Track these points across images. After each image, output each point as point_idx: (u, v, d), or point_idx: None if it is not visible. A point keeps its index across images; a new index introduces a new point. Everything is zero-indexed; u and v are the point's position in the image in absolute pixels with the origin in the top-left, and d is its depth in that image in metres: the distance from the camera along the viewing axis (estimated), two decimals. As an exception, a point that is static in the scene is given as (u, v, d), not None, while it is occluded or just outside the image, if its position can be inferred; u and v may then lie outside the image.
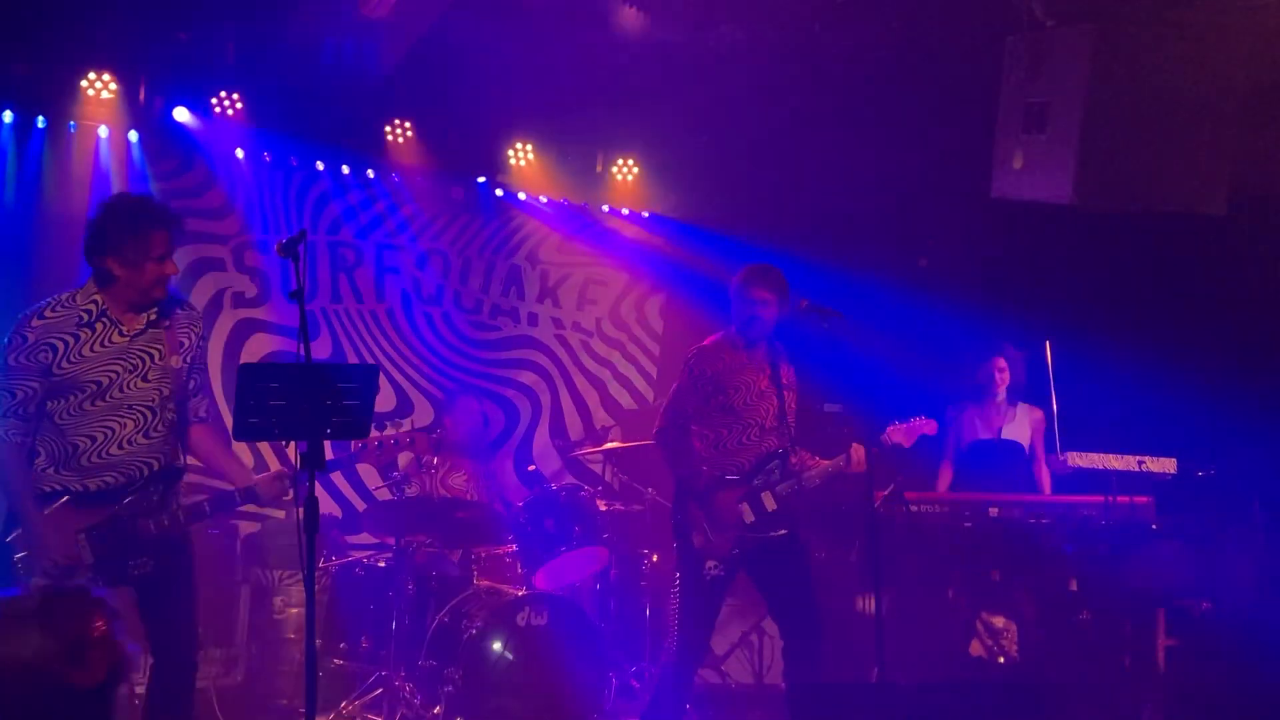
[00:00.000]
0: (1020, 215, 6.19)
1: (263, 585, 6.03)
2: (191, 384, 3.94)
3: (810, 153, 7.43)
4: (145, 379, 3.79)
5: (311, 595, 3.46)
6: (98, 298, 3.77)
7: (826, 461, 4.66)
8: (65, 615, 2.22)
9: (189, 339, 3.92)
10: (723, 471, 4.61)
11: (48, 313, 3.74)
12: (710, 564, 4.54)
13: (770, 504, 4.59)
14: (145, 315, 3.83)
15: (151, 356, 3.81)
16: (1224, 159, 4.71)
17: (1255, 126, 4.85)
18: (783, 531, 4.61)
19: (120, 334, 3.78)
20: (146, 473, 3.76)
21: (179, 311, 3.93)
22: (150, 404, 3.79)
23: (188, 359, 3.90)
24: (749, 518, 4.57)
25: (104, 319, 3.77)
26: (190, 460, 4.03)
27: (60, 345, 3.71)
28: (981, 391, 6.18)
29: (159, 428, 3.80)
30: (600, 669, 5.15)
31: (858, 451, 4.58)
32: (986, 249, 7.20)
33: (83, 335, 3.73)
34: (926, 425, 4.74)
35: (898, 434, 4.69)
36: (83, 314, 3.76)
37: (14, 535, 3.65)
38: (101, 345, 3.75)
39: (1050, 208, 4.88)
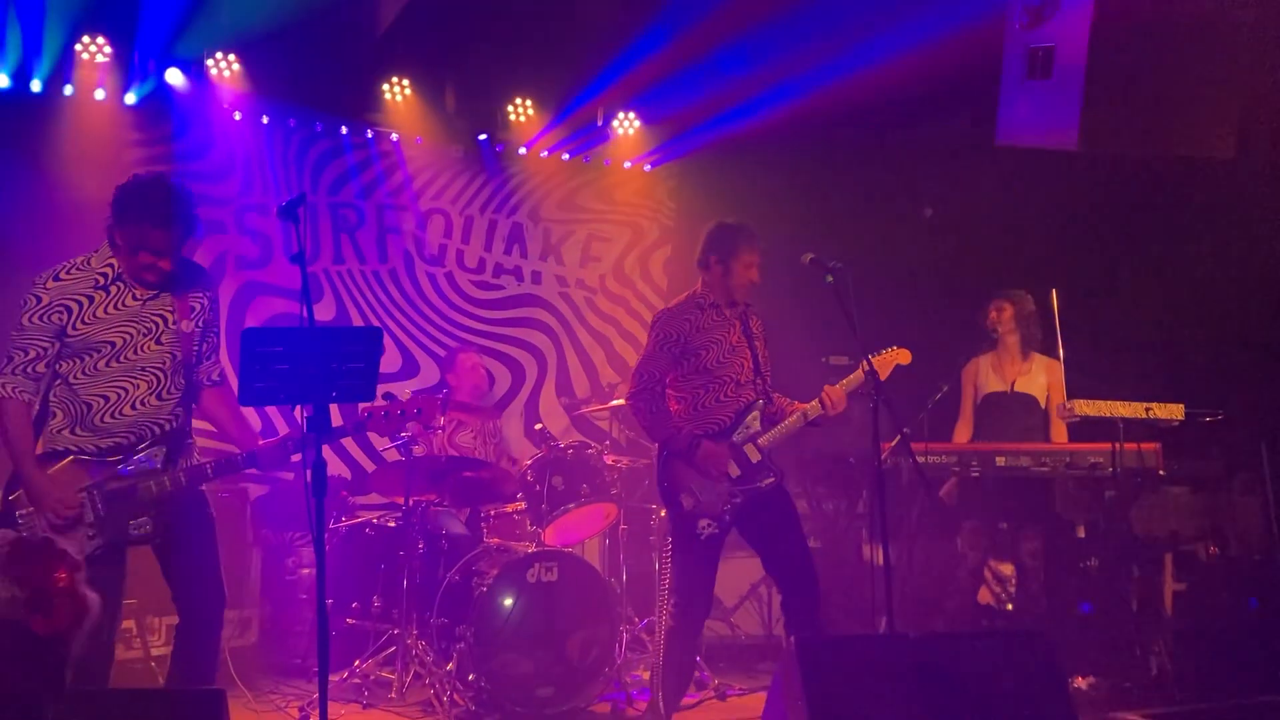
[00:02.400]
0: (1026, 161, 6.13)
1: (274, 547, 6.08)
2: (203, 347, 3.98)
3: (814, 102, 7.34)
4: (158, 342, 3.83)
5: (322, 557, 3.48)
6: (113, 261, 3.81)
7: (803, 405, 4.67)
8: (31, 565, 2.26)
9: (200, 303, 3.95)
10: (703, 430, 4.61)
11: (63, 274, 3.78)
12: (703, 523, 4.55)
13: (754, 455, 4.62)
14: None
15: (165, 320, 3.86)
16: (1232, 100, 4.64)
17: (1264, 66, 4.78)
18: (770, 480, 4.63)
19: (134, 298, 3.82)
20: (157, 433, 3.80)
21: (191, 276, 3.96)
22: (162, 367, 3.83)
23: (199, 323, 3.93)
24: (734, 472, 4.59)
25: (119, 282, 3.81)
26: (201, 424, 4.06)
27: (75, 306, 3.75)
28: (992, 341, 6.09)
29: (171, 390, 3.84)
30: (610, 623, 5.19)
31: (832, 392, 4.58)
32: (992, 196, 7.14)
33: (97, 297, 3.77)
34: (899, 355, 4.70)
35: (873, 364, 4.66)
36: (98, 276, 3.80)
37: (16, 494, 3.69)
38: (115, 308, 3.79)
39: (1056, 153, 4.84)
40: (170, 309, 3.86)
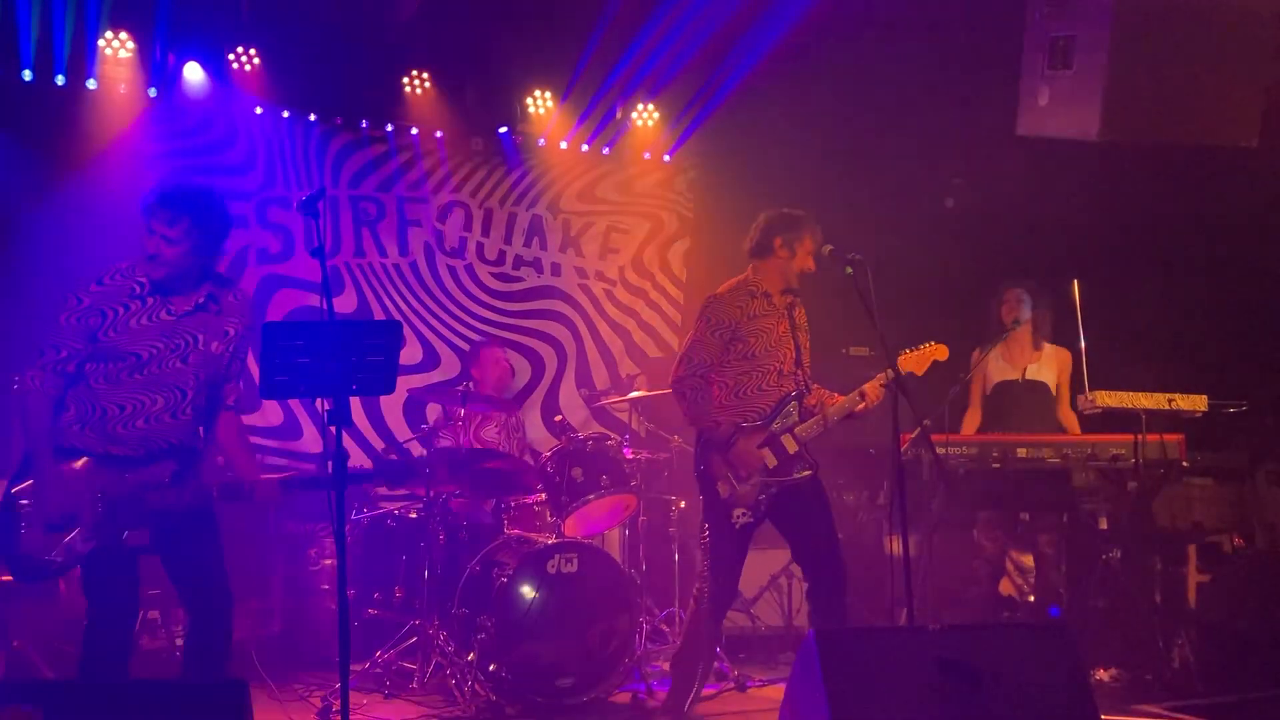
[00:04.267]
0: (1047, 151, 6.10)
1: (297, 538, 6.12)
2: (229, 371, 3.98)
3: (833, 92, 7.33)
4: (184, 361, 3.84)
5: (343, 548, 3.51)
6: (149, 271, 3.82)
7: (843, 398, 4.68)
8: None
9: (234, 327, 3.95)
10: (742, 418, 4.63)
11: (106, 279, 3.81)
12: (738, 512, 4.57)
13: (791, 446, 4.62)
14: (194, 297, 3.87)
15: (195, 340, 3.86)
16: (1255, 88, 4.60)
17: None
18: (807, 472, 4.65)
19: (169, 312, 3.83)
20: (165, 448, 3.81)
21: (230, 299, 3.96)
22: (183, 386, 3.84)
23: (230, 347, 3.94)
24: (771, 462, 4.60)
25: (156, 295, 3.81)
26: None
27: (109, 313, 3.76)
28: (1003, 330, 6.06)
29: (187, 410, 3.85)
30: (630, 614, 5.21)
31: (872, 388, 4.61)
32: (1013, 187, 7.11)
33: (132, 306, 3.79)
34: (937, 351, 4.71)
35: (909, 362, 4.67)
36: (136, 286, 3.81)
37: (24, 485, 3.72)
38: (148, 320, 3.80)
39: (1078, 143, 4.81)
40: (203, 330, 3.87)
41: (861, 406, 4.64)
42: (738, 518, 4.58)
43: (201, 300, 3.87)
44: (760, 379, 4.66)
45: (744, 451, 4.57)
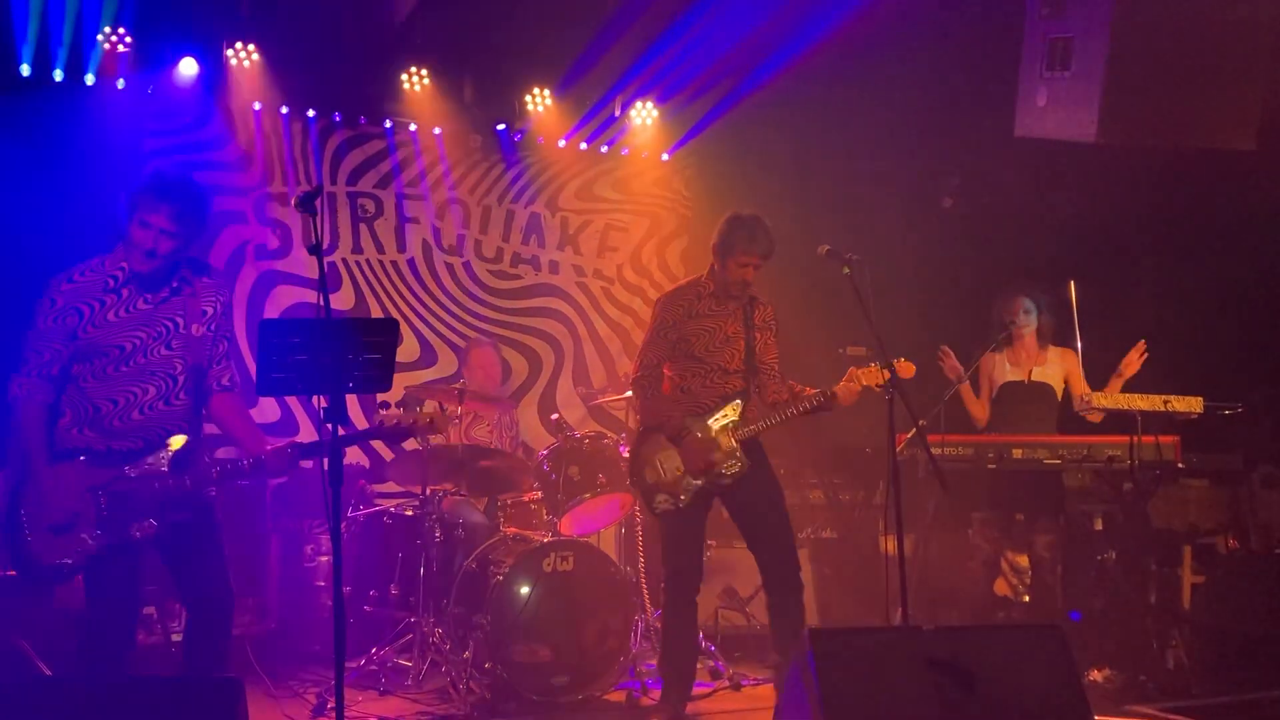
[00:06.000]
0: (1045, 153, 6.10)
1: (293, 534, 6.12)
2: (214, 352, 3.97)
3: (832, 92, 7.33)
4: (168, 347, 3.84)
5: (338, 546, 3.51)
6: (124, 264, 3.82)
7: (813, 391, 4.74)
8: None
9: (212, 307, 3.95)
10: (687, 413, 4.74)
11: (76, 276, 3.80)
12: (660, 498, 4.69)
13: (726, 443, 4.70)
14: (170, 283, 3.86)
15: (175, 325, 3.86)
16: (1252, 92, 4.61)
17: (1286, 57, 4.73)
18: (736, 469, 4.70)
19: (145, 301, 3.83)
20: (164, 436, 3.82)
21: (204, 280, 3.97)
22: (172, 372, 3.84)
23: (211, 327, 3.94)
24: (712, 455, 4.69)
25: (130, 285, 3.81)
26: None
27: (86, 310, 3.76)
28: (1007, 335, 6.07)
29: (180, 395, 3.86)
30: (625, 613, 5.21)
31: (844, 388, 4.64)
32: (1011, 188, 7.12)
33: (108, 300, 3.79)
34: (904, 369, 4.66)
35: (869, 376, 4.66)
36: (109, 279, 3.81)
37: (24, 491, 3.72)
38: (126, 311, 3.80)
39: (1075, 145, 4.82)
40: (181, 313, 3.87)
41: (830, 403, 4.66)
42: (659, 503, 4.69)
43: (175, 285, 3.87)
44: (704, 376, 4.77)
45: (695, 446, 4.65)
